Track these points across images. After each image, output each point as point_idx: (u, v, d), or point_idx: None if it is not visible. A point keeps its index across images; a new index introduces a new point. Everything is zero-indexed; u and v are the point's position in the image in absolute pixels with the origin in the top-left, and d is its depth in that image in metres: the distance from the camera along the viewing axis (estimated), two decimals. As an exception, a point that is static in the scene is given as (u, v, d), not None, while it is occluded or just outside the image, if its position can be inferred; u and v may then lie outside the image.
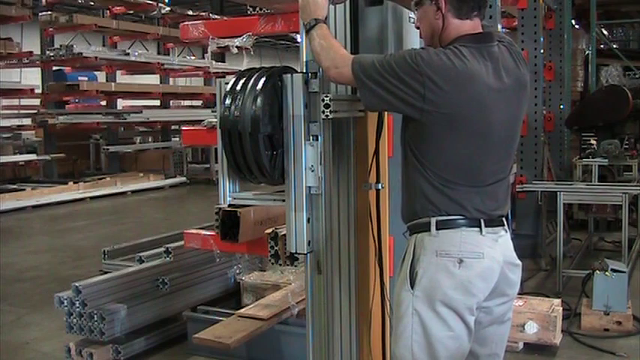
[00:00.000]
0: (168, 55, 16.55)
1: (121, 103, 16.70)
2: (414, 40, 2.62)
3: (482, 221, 2.08)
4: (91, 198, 11.79)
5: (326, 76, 2.29)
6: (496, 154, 2.12)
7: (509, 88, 2.10)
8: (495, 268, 2.08)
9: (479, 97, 2.02)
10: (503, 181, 2.18)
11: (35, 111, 13.83)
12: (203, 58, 18.78)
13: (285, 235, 2.55)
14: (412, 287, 2.08)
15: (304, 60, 2.38)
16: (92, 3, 15.05)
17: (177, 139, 15.50)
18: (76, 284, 4.08)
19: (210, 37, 3.19)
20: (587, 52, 9.02)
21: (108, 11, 14.70)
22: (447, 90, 1.99)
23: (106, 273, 5.10)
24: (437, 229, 2.08)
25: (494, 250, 2.09)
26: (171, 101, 16.92)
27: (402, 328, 2.10)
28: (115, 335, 4.06)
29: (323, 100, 2.31)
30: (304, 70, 2.37)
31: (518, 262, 2.20)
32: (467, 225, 2.07)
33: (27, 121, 14.56)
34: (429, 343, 2.05)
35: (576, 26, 8.97)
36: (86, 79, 14.47)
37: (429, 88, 1.99)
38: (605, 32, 11.94)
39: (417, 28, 2.26)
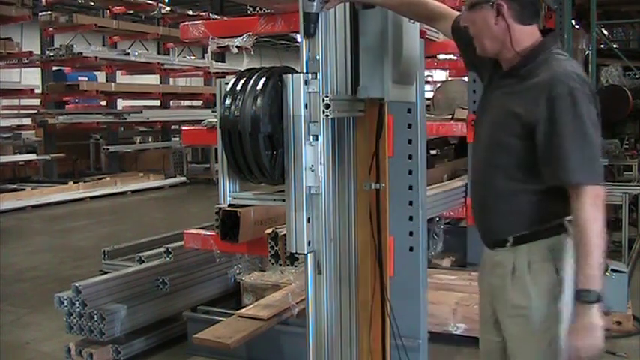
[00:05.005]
0: (168, 55, 16.56)
1: (121, 103, 16.69)
2: (413, 38, 2.62)
3: None
4: (91, 198, 11.79)
5: None
6: None
7: None
8: None
9: None
10: None
11: (35, 111, 13.84)
12: (203, 58, 18.80)
13: (285, 235, 2.55)
14: (562, 293, 2.03)
15: (304, 60, 2.37)
16: (92, 3, 15.09)
17: (177, 139, 15.48)
18: (76, 284, 4.08)
19: (210, 37, 3.20)
20: (587, 52, 9.01)
21: (108, 11, 14.71)
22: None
23: (106, 273, 5.11)
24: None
25: None
26: (171, 101, 16.91)
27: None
28: (115, 335, 4.06)
29: (323, 100, 2.30)
30: (304, 70, 2.37)
31: None
32: None
33: (27, 121, 14.55)
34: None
35: (576, 26, 8.97)
36: (86, 79, 14.47)
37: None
38: (605, 32, 11.93)
39: (465, 27, 2.18)
